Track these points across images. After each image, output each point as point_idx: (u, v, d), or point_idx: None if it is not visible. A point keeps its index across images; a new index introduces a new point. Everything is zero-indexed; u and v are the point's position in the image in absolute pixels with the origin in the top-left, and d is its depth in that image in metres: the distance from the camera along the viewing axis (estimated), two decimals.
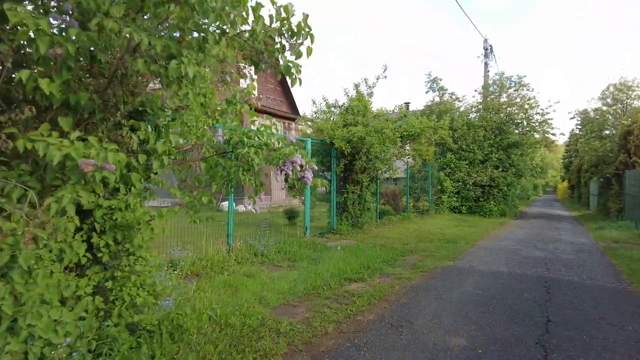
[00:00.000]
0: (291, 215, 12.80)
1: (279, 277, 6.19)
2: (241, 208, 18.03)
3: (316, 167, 4.23)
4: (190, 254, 6.61)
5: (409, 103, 27.83)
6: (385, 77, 11.32)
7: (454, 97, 21.63)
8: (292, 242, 8.58)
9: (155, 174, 3.88)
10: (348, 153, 10.18)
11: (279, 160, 3.88)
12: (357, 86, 11.44)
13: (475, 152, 18.95)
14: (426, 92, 23.05)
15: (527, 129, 19.48)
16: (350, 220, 10.89)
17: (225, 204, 18.30)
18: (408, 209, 15.92)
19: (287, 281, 5.99)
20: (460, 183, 18.98)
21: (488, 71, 22.74)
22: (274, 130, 4.15)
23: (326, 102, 11.37)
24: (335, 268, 6.62)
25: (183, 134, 4.15)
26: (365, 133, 10.00)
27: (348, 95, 11.46)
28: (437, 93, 21.78)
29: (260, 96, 22.47)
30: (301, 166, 3.99)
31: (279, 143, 4.09)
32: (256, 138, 3.93)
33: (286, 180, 4.05)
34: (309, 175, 4.00)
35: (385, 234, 11.08)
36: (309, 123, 11.11)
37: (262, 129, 3.96)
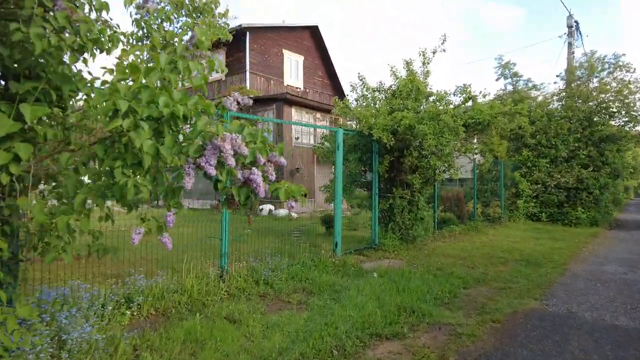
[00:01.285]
0: (329, 223, 10.77)
1: (276, 325, 4.21)
2: (281, 212, 16.29)
3: (285, 161, 2.17)
4: (160, 281, 4.81)
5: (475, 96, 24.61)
6: (444, 50, 8.87)
7: (530, 84, 18.45)
8: (314, 264, 6.54)
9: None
10: (392, 147, 7.90)
11: (190, 146, 1.89)
12: (408, 64, 9.04)
13: (558, 147, 15.75)
14: (496, 80, 19.79)
15: (626, 119, 15.89)
16: (398, 232, 8.61)
17: (265, 207, 16.78)
18: (475, 217, 13.22)
19: (283, 334, 4.00)
20: (539, 185, 15.87)
21: (573, 52, 19.17)
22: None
23: (364, 84, 9.10)
24: (361, 313, 4.50)
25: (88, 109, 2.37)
26: (416, 120, 7.63)
27: (396, 76, 9.10)
28: (509, 80, 18.67)
29: (307, 90, 20.66)
30: (243, 157, 1.97)
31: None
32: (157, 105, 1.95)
33: (215, 187, 2.05)
34: (258, 177, 1.96)
35: (444, 251, 8.70)
36: (348, 114, 8.93)
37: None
